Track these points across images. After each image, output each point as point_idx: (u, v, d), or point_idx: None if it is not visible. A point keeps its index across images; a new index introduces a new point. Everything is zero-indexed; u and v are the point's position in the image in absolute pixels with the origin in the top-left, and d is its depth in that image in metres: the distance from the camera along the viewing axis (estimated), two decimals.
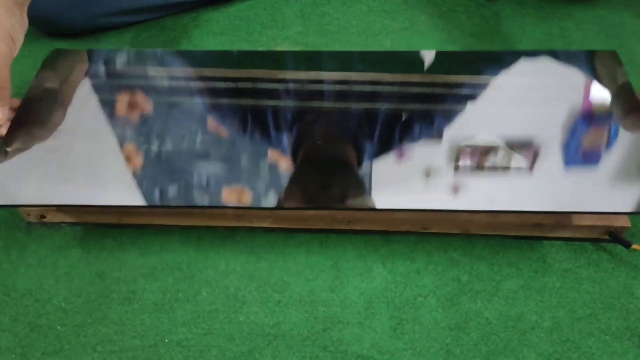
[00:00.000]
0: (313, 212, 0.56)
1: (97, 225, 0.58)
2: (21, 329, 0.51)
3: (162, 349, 0.50)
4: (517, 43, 0.76)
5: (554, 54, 0.65)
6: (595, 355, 0.50)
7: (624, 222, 0.55)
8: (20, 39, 0.55)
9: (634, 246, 0.54)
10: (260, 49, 0.75)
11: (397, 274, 0.55)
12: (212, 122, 0.60)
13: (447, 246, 0.57)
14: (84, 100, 0.60)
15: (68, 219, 0.57)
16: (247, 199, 0.53)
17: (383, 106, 0.62)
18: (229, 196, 0.54)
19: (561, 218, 0.55)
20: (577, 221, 0.56)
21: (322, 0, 0.82)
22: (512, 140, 0.58)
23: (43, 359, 0.50)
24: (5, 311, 0.52)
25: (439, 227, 0.57)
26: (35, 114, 0.58)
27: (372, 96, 0.63)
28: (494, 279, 0.55)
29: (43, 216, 0.57)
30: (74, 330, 0.51)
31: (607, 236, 0.56)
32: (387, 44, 0.76)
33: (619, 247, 0.56)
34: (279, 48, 0.75)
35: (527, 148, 0.58)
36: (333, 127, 0.61)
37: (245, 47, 0.75)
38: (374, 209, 0.53)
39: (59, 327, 0.51)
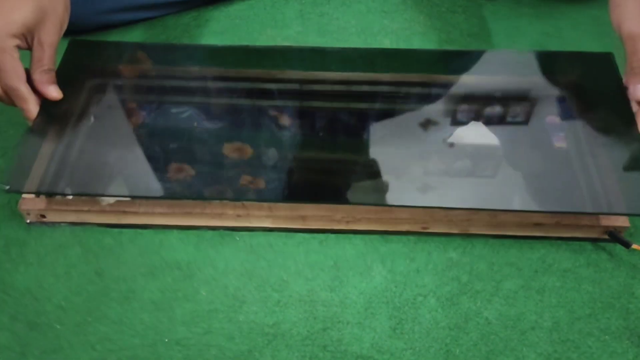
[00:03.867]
0: (312, 211, 0.56)
1: (97, 225, 0.57)
2: (20, 327, 0.51)
3: (161, 348, 0.50)
4: (513, 43, 0.76)
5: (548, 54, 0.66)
6: (595, 355, 0.50)
7: (624, 222, 0.56)
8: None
9: (634, 246, 0.54)
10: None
11: (397, 273, 0.55)
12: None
13: (447, 246, 0.57)
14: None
15: (68, 218, 0.57)
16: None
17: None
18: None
19: (560, 218, 0.56)
20: (577, 221, 0.56)
21: (322, 0, 0.82)
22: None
23: (42, 357, 0.50)
24: (5, 310, 0.52)
25: (439, 226, 0.57)
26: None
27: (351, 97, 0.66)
28: (494, 279, 0.55)
29: (43, 215, 0.57)
30: (73, 329, 0.51)
31: (607, 236, 0.56)
32: (386, 44, 0.76)
33: (619, 247, 0.56)
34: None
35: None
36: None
37: None
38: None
39: (58, 326, 0.51)
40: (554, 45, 0.76)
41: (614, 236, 0.55)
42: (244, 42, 0.76)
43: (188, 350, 0.50)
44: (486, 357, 0.50)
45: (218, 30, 0.77)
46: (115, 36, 0.76)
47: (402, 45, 0.76)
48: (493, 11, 0.81)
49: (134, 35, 0.76)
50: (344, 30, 0.78)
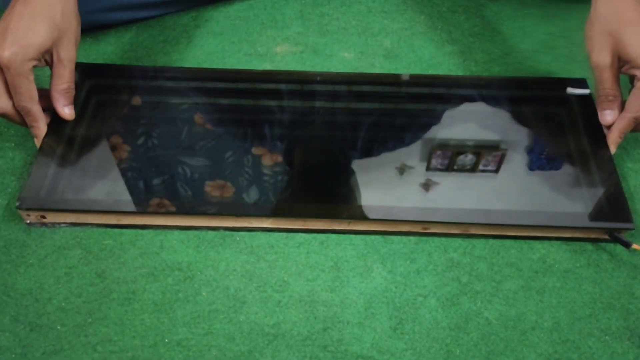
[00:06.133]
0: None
1: (97, 226, 0.57)
2: (21, 328, 0.51)
3: (162, 348, 0.50)
4: (518, 43, 0.76)
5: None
6: (595, 355, 0.50)
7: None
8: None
9: (634, 246, 0.54)
10: (259, 49, 0.75)
11: (397, 274, 0.55)
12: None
13: (447, 246, 0.57)
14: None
15: (68, 219, 0.57)
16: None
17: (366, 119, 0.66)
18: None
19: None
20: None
21: (322, 0, 0.82)
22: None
23: (43, 359, 0.50)
24: (6, 311, 0.52)
25: (439, 227, 0.57)
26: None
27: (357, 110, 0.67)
28: (494, 279, 0.55)
29: (43, 216, 0.57)
30: (74, 330, 0.51)
31: (607, 236, 0.56)
32: (387, 45, 0.76)
33: (619, 247, 0.56)
34: (278, 49, 0.75)
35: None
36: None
37: (245, 47, 0.75)
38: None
39: (59, 327, 0.51)
40: (560, 46, 0.76)
41: (615, 236, 0.55)
42: (244, 43, 0.76)
43: (189, 351, 0.50)
44: (486, 357, 0.50)
45: (217, 30, 0.77)
46: (111, 36, 0.76)
47: (403, 45, 0.76)
48: (496, 11, 0.81)
49: (131, 36, 0.76)
50: (345, 30, 0.78)
